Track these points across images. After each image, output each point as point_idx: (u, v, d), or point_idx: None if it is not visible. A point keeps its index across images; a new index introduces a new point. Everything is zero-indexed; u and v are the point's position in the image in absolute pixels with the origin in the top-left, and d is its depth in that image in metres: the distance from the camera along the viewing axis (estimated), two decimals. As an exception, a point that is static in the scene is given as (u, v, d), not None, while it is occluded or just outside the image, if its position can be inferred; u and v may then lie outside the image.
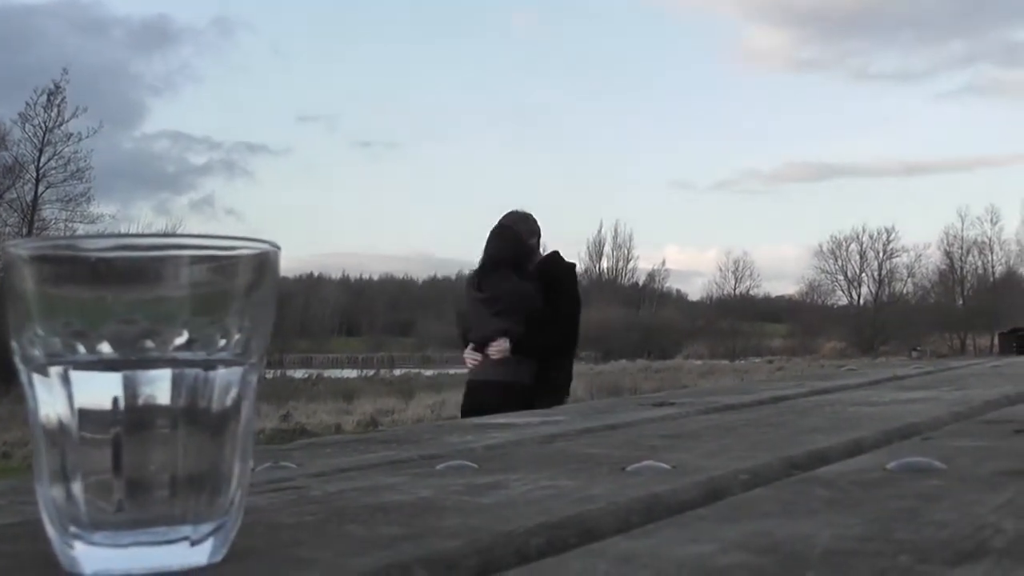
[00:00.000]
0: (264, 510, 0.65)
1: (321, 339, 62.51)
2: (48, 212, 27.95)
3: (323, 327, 67.38)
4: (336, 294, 72.87)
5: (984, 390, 1.65)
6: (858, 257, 59.66)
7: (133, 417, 0.48)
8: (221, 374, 0.50)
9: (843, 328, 56.28)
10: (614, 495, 0.67)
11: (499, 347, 4.46)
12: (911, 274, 58.93)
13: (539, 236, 4.76)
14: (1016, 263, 57.22)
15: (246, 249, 0.51)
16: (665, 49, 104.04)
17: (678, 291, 72.64)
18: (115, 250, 0.49)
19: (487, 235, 4.62)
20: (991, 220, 57.98)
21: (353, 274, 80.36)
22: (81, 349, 0.48)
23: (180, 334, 0.48)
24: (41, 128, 27.46)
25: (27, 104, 27.41)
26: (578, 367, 5.04)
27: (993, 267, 57.36)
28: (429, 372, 32.99)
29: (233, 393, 0.50)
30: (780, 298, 69.14)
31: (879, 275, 59.25)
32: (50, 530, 0.50)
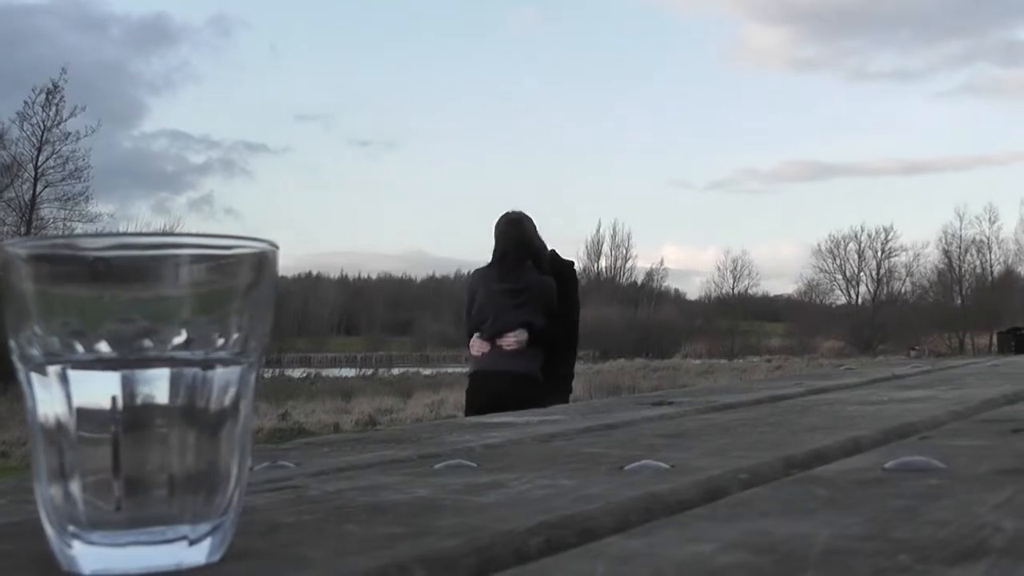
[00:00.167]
0: (262, 509, 0.65)
1: (319, 338, 62.48)
2: (46, 211, 27.93)
3: (321, 326, 67.37)
4: (334, 293, 72.88)
5: (982, 389, 1.65)
6: (856, 256, 59.70)
7: (131, 416, 0.48)
8: (219, 373, 0.50)
9: (841, 327, 56.27)
10: (613, 494, 0.67)
11: (518, 338, 4.46)
12: (909, 273, 58.95)
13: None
14: (1014, 262, 57.26)
15: (245, 248, 0.51)
16: (663, 48, 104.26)
17: (676, 290, 72.72)
18: (113, 249, 0.49)
19: (495, 229, 4.61)
20: (989, 219, 58.02)
21: (351, 273, 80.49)
22: (79, 348, 0.48)
23: (178, 333, 0.48)
24: (39, 127, 27.43)
25: (25, 103, 27.38)
26: (577, 366, 5.05)
27: (991, 266, 57.39)
28: (427, 371, 32.99)
29: (231, 392, 0.50)
30: (778, 297, 69.29)
31: (877, 274, 59.29)
32: (48, 529, 0.50)
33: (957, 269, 57.01)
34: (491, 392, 4.37)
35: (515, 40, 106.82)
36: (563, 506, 0.63)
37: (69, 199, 27.96)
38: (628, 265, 65.79)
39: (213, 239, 0.50)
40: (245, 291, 0.50)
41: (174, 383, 0.48)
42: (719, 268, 64.43)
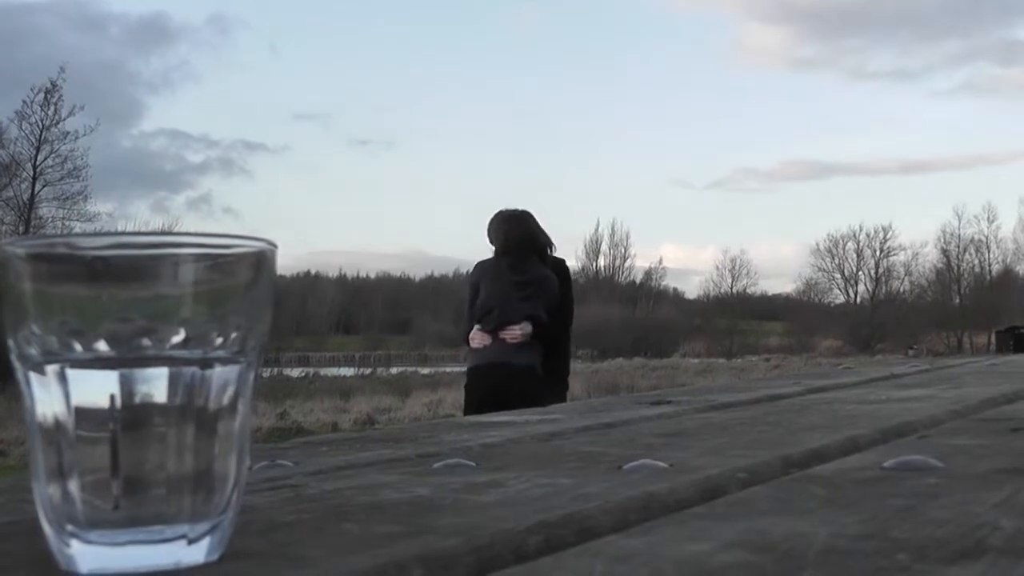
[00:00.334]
0: (261, 508, 0.65)
1: (318, 337, 62.50)
2: (45, 210, 27.89)
3: (320, 325, 67.41)
4: (333, 292, 72.89)
5: (981, 388, 1.66)
6: (855, 255, 59.72)
7: (130, 415, 0.48)
8: (218, 372, 0.50)
9: (840, 326, 56.30)
10: (611, 493, 0.67)
11: (523, 330, 4.45)
12: (908, 272, 58.97)
13: None
14: (1013, 261, 57.32)
15: (243, 247, 0.51)
16: (663, 47, 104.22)
17: (675, 289, 72.81)
18: (112, 248, 0.49)
19: (497, 223, 4.59)
20: (988, 218, 57.99)
21: (350, 272, 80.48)
22: (78, 347, 0.48)
23: (177, 332, 0.48)
24: (38, 126, 27.40)
25: (24, 102, 27.35)
26: (575, 365, 5.07)
27: (990, 265, 57.43)
28: (426, 370, 32.98)
29: (230, 391, 0.50)
30: (777, 296, 69.36)
31: (876, 273, 59.30)
32: (47, 528, 0.50)
33: (955, 268, 57.05)
34: (491, 384, 4.37)
35: (515, 40, 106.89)
36: (562, 505, 0.63)
37: (68, 198, 27.95)
38: (627, 264, 65.93)
39: (212, 238, 0.50)
40: (244, 290, 0.50)
41: (172, 382, 0.48)
42: (718, 267, 64.59)
